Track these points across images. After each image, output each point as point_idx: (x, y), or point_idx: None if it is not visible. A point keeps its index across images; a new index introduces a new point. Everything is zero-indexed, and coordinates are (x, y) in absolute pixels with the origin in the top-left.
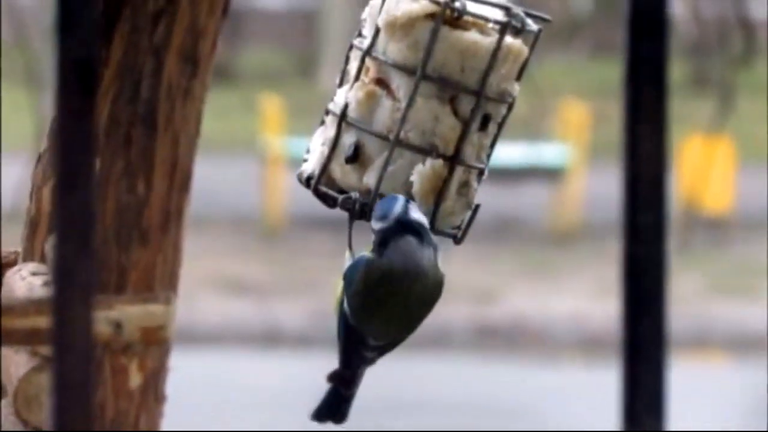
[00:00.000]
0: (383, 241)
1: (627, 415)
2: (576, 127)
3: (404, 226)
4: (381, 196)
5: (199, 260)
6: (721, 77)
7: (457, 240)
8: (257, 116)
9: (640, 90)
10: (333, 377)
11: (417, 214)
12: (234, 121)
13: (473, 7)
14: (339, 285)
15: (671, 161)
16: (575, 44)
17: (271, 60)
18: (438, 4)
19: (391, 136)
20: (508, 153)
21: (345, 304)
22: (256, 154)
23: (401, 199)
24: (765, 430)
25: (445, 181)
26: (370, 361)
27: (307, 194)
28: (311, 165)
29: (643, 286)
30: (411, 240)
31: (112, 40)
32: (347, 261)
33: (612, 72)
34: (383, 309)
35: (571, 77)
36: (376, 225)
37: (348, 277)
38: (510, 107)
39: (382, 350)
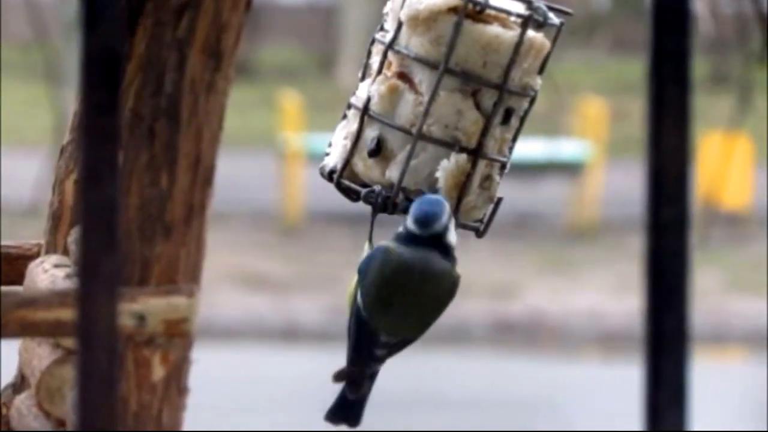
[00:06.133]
0: (409, 238)
1: (650, 408)
2: (595, 123)
3: (434, 241)
4: (404, 189)
5: (218, 255)
6: (739, 74)
7: (480, 233)
8: (276, 112)
9: (664, 85)
10: (339, 376)
11: (453, 236)
12: (253, 117)
13: (495, 1)
14: (353, 280)
15: (694, 156)
16: (594, 41)
17: (290, 56)
18: None
19: (414, 130)
20: (527, 149)
21: (358, 297)
22: (275, 150)
23: (446, 211)
24: (766, 429)
25: (468, 176)
26: (379, 361)
27: (326, 190)
28: (334, 159)
29: (667, 280)
30: (435, 253)
31: (136, 34)
32: (365, 253)
33: (631, 68)
34: (396, 300)
35: (590, 74)
36: (415, 227)
37: (363, 267)
38: (532, 101)
39: (392, 349)
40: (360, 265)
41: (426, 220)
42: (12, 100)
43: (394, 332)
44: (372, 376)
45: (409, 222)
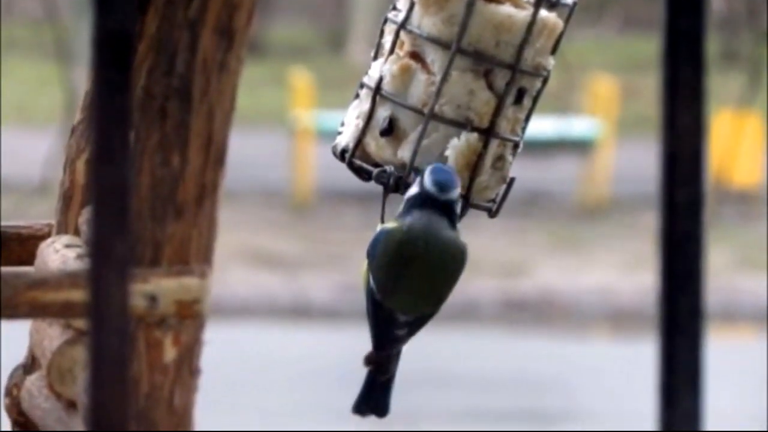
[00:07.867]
0: (421, 202)
1: (664, 390)
2: (605, 101)
3: (446, 209)
4: (416, 169)
5: (229, 233)
6: (750, 52)
7: (492, 213)
8: (287, 90)
9: (678, 66)
10: (369, 360)
11: (458, 208)
12: (264, 95)
13: None
14: (364, 265)
15: (708, 137)
16: (605, 18)
17: (301, 33)
18: None
19: (426, 110)
20: (537, 126)
21: (370, 280)
22: (286, 128)
23: (458, 185)
24: (766, 430)
25: (480, 155)
26: (402, 340)
27: (337, 168)
28: (346, 138)
29: (681, 262)
30: (444, 220)
31: (147, 13)
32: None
33: (641, 46)
34: (406, 276)
35: (601, 51)
36: (434, 189)
37: (371, 251)
38: (545, 81)
39: (412, 327)
40: (368, 248)
41: (446, 184)
42: (22, 78)
43: (409, 309)
44: (396, 356)
45: (428, 184)
